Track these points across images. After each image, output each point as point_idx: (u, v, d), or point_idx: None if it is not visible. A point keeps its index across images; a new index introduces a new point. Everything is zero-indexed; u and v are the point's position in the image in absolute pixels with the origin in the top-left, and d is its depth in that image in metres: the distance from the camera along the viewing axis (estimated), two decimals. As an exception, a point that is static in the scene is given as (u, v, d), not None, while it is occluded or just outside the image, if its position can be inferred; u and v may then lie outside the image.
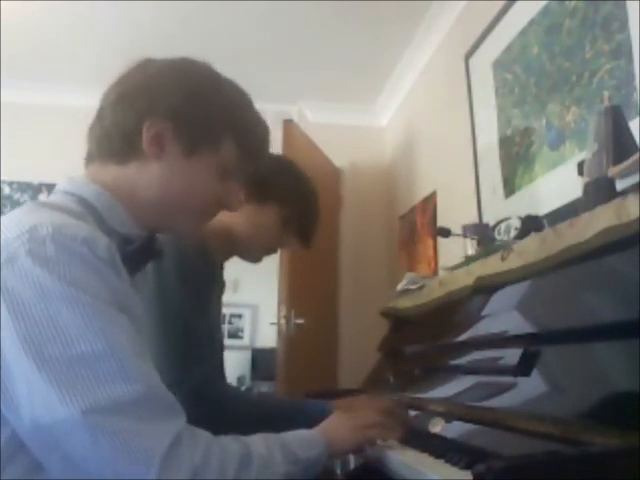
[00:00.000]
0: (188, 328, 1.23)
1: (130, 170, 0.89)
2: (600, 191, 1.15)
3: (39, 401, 0.67)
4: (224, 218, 1.23)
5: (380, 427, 1.07)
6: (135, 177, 0.89)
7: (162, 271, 1.24)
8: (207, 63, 0.96)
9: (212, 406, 1.19)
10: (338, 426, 1.01)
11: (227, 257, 1.49)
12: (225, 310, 1.48)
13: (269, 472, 0.81)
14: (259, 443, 0.83)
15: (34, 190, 3.80)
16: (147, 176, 0.89)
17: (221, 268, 1.48)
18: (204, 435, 0.76)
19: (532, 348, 1.01)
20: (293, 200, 1.45)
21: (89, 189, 0.87)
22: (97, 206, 0.86)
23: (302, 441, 0.90)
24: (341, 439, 0.98)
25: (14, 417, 0.69)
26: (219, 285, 1.45)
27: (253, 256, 1.49)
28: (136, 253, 0.89)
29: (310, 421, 1.05)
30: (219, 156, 0.92)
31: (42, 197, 3.74)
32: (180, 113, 0.89)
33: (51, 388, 0.67)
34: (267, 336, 5.34)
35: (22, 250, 0.71)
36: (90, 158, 0.92)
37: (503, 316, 1.23)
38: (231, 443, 0.79)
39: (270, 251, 1.52)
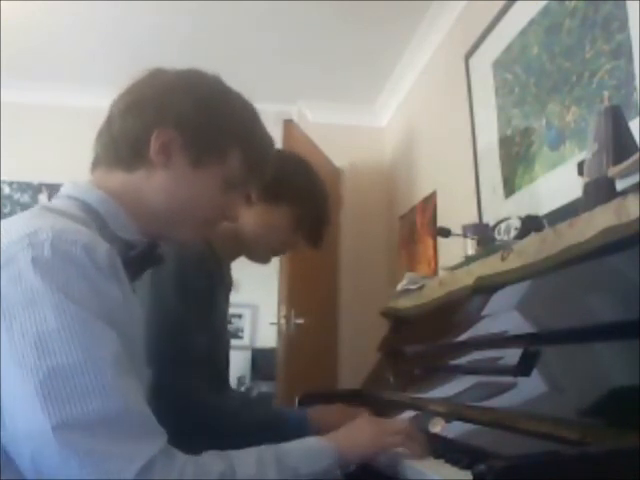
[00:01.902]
0: (179, 339, 1.20)
1: (136, 177, 0.89)
2: (600, 191, 1.15)
3: (18, 411, 0.67)
4: None
5: (403, 436, 0.99)
6: (141, 185, 0.89)
7: (160, 281, 1.22)
8: (217, 75, 0.97)
9: (191, 419, 1.16)
10: (358, 433, 0.96)
11: (234, 257, 1.47)
12: (226, 310, 1.48)
13: None
14: (249, 460, 0.79)
15: (34, 190, 3.80)
16: (153, 184, 0.89)
17: (228, 268, 1.47)
18: (180, 458, 0.73)
19: (532, 348, 1.01)
20: (306, 201, 1.42)
21: (93, 194, 0.87)
22: (100, 211, 0.86)
23: (308, 454, 0.85)
24: (357, 448, 0.93)
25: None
26: (225, 286, 1.44)
27: (261, 257, 1.46)
28: (137, 259, 0.89)
29: (291, 432, 1.03)
30: (225, 168, 0.93)
31: (41, 197, 3.74)
32: (189, 123, 0.90)
33: (28, 398, 0.66)
34: (267, 336, 5.35)
35: (20, 254, 0.71)
36: (96, 164, 0.93)
37: (503, 316, 1.23)
38: (213, 464, 0.75)
39: (278, 252, 1.50)
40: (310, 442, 0.89)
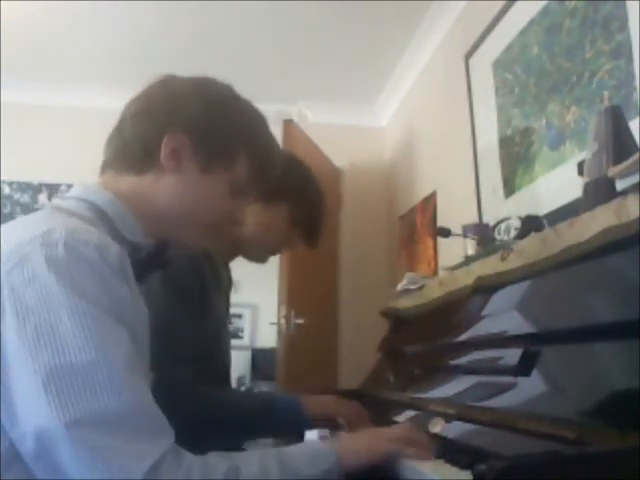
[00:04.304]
0: (164, 338, 1.16)
1: (145, 181, 0.91)
2: (600, 191, 1.15)
3: (30, 407, 0.67)
4: None
5: (403, 442, 0.96)
6: (150, 188, 0.91)
7: (150, 282, 1.22)
8: (227, 83, 0.99)
9: (179, 415, 1.16)
10: (358, 439, 0.96)
11: (232, 257, 1.47)
12: (226, 310, 1.48)
13: None
14: (252, 461, 0.79)
15: (34, 190, 3.79)
16: (161, 188, 0.91)
17: (226, 268, 1.47)
18: (188, 457, 0.74)
19: (532, 348, 1.01)
20: (302, 200, 1.43)
21: (102, 196, 0.88)
22: (108, 213, 0.87)
23: (309, 456, 0.85)
24: (356, 453, 0.91)
25: (10, 423, 0.68)
26: (222, 286, 1.43)
27: (258, 256, 1.47)
28: (143, 261, 0.90)
29: (283, 411, 1.07)
30: (232, 173, 0.95)
31: (41, 197, 3.74)
32: (199, 129, 0.91)
33: (41, 395, 0.67)
34: (267, 336, 5.35)
35: (34, 253, 0.72)
36: (105, 167, 0.94)
37: (503, 316, 1.23)
38: (218, 464, 0.76)
39: (275, 251, 1.51)
40: (311, 445, 0.92)
